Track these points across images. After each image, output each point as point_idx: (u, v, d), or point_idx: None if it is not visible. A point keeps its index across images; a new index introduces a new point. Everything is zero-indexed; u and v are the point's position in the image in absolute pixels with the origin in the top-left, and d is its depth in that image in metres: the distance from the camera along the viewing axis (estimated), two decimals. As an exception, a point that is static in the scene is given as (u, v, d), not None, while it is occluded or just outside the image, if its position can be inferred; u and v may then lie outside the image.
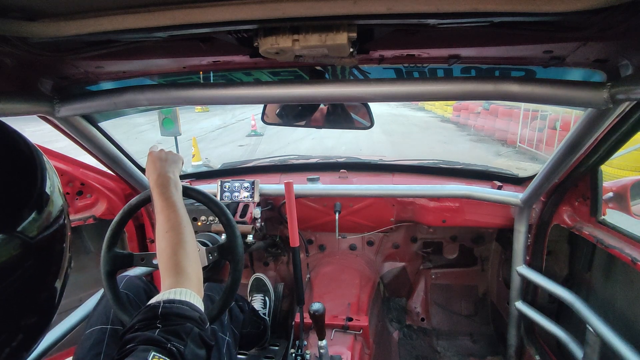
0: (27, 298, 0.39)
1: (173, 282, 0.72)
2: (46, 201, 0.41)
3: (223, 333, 1.18)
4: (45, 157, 0.44)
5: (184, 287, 0.71)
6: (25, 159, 0.41)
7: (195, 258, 0.81)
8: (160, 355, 0.53)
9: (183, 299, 0.67)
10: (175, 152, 1.08)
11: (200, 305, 0.69)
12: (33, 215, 0.38)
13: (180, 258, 0.77)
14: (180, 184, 1.00)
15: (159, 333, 0.57)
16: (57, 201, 0.43)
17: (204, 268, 1.21)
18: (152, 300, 0.66)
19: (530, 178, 1.65)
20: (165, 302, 0.64)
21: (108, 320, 1.03)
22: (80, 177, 1.61)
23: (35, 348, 0.42)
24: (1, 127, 0.40)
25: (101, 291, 1.13)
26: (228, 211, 1.13)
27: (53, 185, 0.43)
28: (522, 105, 8.72)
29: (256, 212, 1.77)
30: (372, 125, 1.44)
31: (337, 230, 1.88)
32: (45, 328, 0.43)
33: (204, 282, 0.85)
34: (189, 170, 5.28)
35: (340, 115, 1.48)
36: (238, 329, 1.31)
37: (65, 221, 0.45)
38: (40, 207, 0.40)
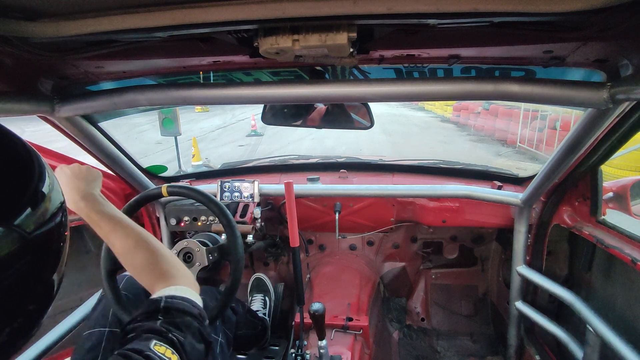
0: (25, 288, 0.41)
1: (168, 285, 0.71)
2: (43, 198, 0.43)
3: (215, 334, 1.18)
4: (43, 159, 0.46)
5: (181, 285, 0.71)
6: (22, 158, 0.43)
7: (175, 259, 0.79)
8: (162, 344, 0.54)
9: (184, 295, 0.67)
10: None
11: (199, 302, 0.70)
12: (30, 210, 0.40)
13: (164, 266, 0.75)
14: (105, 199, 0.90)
15: (161, 324, 0.58)
16: (55, 199, 0.45)
17: (204, 268, 1.21)
18: (154, 295, 0.67)
19: (530, 178, 1.64)
20: (167, 297, 0.65)
21: (107, 323, 1.03)
22: None
23: (33, 334, 0.43)
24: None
25: (100, 292, 1.13)
26: (228, 211, 1.13)
27: (52, 183, 0.45)
28: (522, 105, 8.71)
29: (256, 212, 1.77)
30: (372, 125, 1.44)
31: (337, 230, 1.88)
32: (42, 315, 0.45)
33: (203, 284, 0.85)
34: (189, 170, 5.27)
35: (340, 115, 1.48)
36: (231, 331, 1.31)
37: (63, 219, 0.46)
38: (38, 203, 0.42)
